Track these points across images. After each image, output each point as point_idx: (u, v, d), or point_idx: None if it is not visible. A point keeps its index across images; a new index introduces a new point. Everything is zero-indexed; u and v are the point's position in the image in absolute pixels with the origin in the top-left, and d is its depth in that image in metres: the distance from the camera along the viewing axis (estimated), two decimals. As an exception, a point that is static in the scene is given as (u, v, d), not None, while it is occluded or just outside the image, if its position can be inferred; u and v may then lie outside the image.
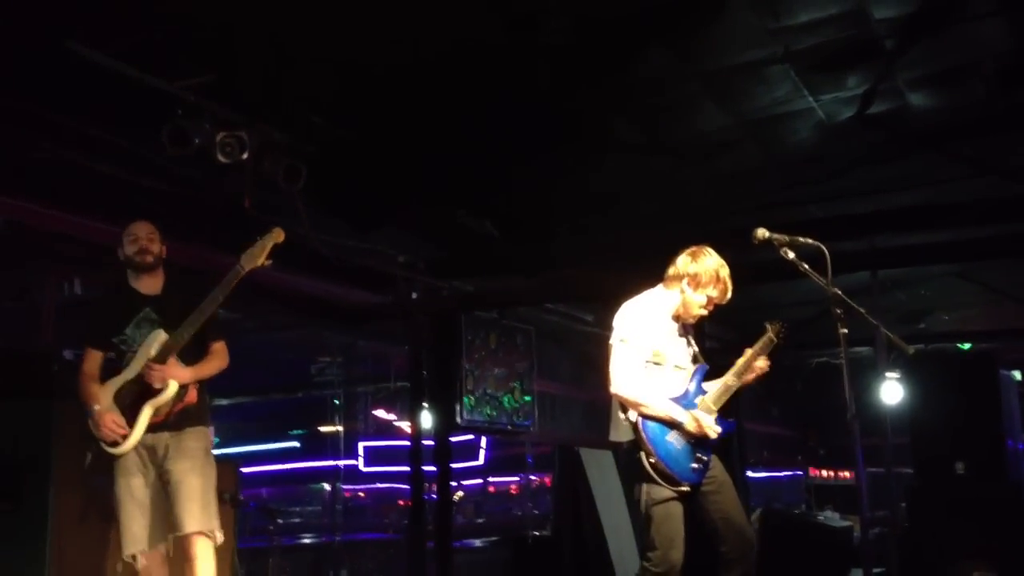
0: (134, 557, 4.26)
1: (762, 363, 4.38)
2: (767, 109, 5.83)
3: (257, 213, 5.82)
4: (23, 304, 6.94)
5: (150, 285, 4.47)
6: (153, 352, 4.28)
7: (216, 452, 4.64)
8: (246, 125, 5.27)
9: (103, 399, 4.30)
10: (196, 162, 5.32)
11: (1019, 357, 10.54)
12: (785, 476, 15.90)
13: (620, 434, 4.26)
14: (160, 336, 4.31)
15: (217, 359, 4.51)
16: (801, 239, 3.98)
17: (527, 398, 9.73)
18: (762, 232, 4.04)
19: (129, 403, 4.29)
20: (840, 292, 3.86)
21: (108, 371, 4.45)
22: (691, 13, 4.81)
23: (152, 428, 4.29)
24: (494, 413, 9.31)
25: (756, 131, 6.14)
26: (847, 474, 14.37)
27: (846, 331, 3.79)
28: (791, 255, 3.99)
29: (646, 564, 4.14)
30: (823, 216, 7.20)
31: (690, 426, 4.17)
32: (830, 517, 9.78)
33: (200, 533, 4.25)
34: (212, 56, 4.95)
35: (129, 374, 4.33)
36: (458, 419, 8.96)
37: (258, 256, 4.30)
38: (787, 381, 13.41)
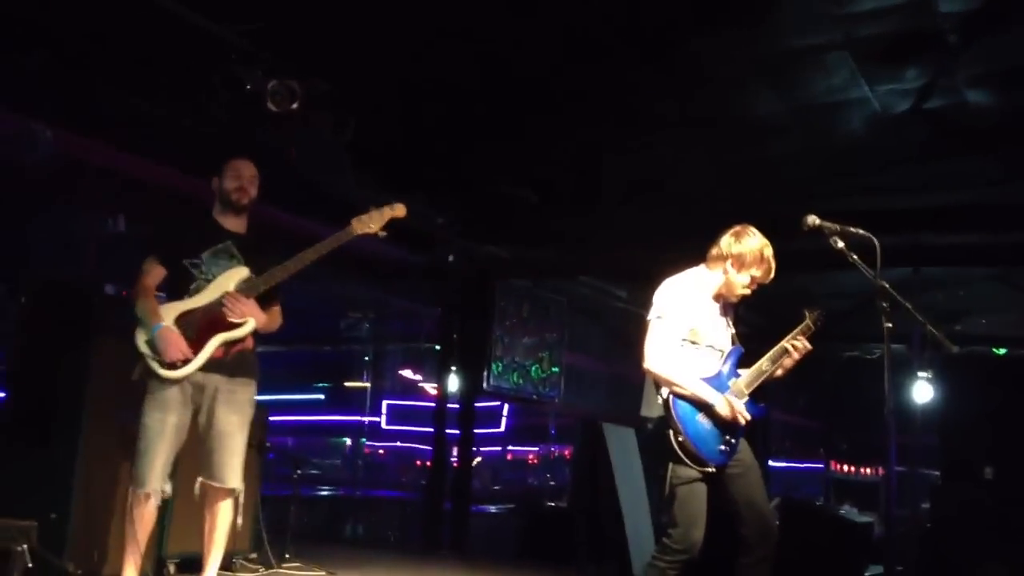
0: (148, 495, 4.08)
1: (804, 344, 4.30)
2: (822, 96, 5.76)
3: (300, 164, 5.84)
4: (66, 238, 6.99)
5: (235, 224, 4.37)
6: (231, 287, 4.18)
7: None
8: (297, 76, 5.28)
9: (166, 318, 4.11)
10: (245, 109, 5.32)
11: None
12: (805, 467, 15.82)
13: (651, 410, 4.23)
14: (242, 272, 4.23)
15: (277, 317, 4.43)
16: (852, 229, 3.91)
17: (555, 369, 9.73)
18: (812, 219, 3.97)
19: (192, 332, 4.11)
20: (887, 286, 3.80)
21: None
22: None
23: (205, 367, 4.15)
24: (521, 381, 9.33)
25: (809, 118, 6.06)
26: (868, 471, 14.28)
27: (891, 325, 3.74)
28: (840, 244, 3.92)
29: (667, 541, 4.12)
30: (868, 208, 7.10)
31: (723, 410, 4.13)
32: (849, 511, 9.72)
33: (234, 491, 4.24)
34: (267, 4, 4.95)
35: (198, 302, 4.16)
36: (485, 384, 8.99)
37: (369, 223, 4.27)
38: (816, 372, 13.27)
